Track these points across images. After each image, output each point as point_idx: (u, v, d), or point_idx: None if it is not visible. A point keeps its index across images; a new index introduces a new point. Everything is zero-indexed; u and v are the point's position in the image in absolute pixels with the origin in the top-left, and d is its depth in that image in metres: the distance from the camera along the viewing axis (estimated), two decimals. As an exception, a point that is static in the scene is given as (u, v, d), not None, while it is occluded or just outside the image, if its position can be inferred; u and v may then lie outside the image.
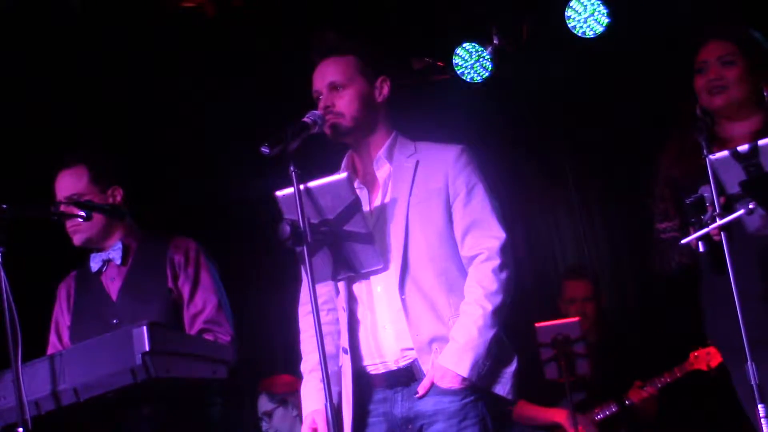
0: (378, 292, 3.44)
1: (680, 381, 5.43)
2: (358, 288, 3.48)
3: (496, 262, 3.37)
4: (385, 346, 3.42)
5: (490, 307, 3.33)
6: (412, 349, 3.39)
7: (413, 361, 3.39)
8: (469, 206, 3.43)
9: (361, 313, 3.47)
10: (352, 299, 3.49)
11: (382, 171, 3.53)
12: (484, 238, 3.40)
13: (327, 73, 3.51)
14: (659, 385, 5.44)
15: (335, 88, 3.48)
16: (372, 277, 3.44)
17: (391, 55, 3.79)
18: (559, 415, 5.44)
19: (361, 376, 3.46)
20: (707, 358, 5.34)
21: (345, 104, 3.47)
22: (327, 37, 3.55)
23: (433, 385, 3.35)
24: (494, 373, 3.37)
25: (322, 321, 3.28)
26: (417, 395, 3.37)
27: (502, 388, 3.38)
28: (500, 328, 3.37)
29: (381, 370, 3.43)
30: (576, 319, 5.28)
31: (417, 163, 3.49)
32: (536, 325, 5.26)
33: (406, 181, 3.47)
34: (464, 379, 3.31)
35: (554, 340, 5.20)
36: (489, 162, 3.58)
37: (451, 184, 3.45)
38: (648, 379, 5.44)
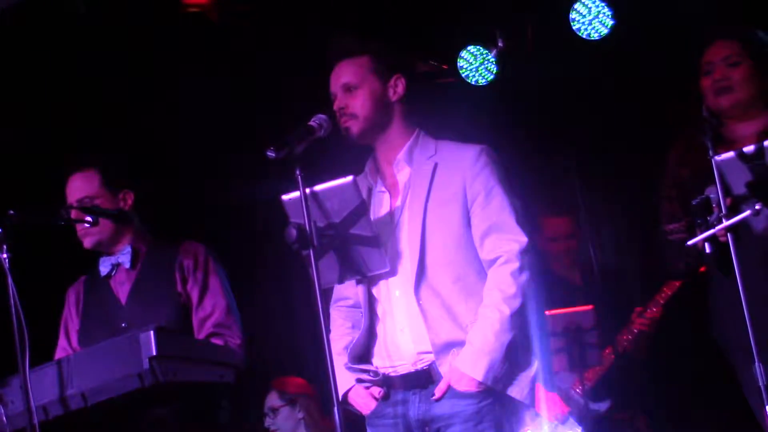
0: (396, 296, 3.45)
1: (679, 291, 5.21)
2: (378, 292, 3.49)
3: (516, 265, 3.35)
4: (403, 348, 3.42)
5: (507, 311, 3.32)
6: (429, 352, 3.39)
7: (431, 364, 3.39)
8: (487, 209, 3.41)
9: (381, 316, 3.48)
10: (372, 302, 3.51)
11: (402, 174, 3.53)
12: (504, 241, 3.38)
13: (341, 75, 3.53)
14: (662, 302, 5.23)
15: (348, 89, 3.50)
16: (390, 281, 3.45)
17: (406, 53, 3.79)
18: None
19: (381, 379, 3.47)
20: None
21: (358, 105, 3.49)
22: (342, 41, 3.57)
23: (450, 387, 3.35)
24: (511, 376, 3.35)
25: (351, 315, 3.50)
26: (434, 398, 3.37)
27: (519, 391, 3.37)
28: (519, 331, 3.35)
29: (398, 372, 3.44)
30: (590, 307, 5.19)
31: (435, 165, 3.48)
32: (547, 312, 5.18)
33: (424, 184, 3.46)
34: (480, 383, 3.31)
35: (566, 329, 5.14)
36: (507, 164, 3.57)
37: (469, 187, 3.43)
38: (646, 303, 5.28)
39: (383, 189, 3.54)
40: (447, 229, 3.42)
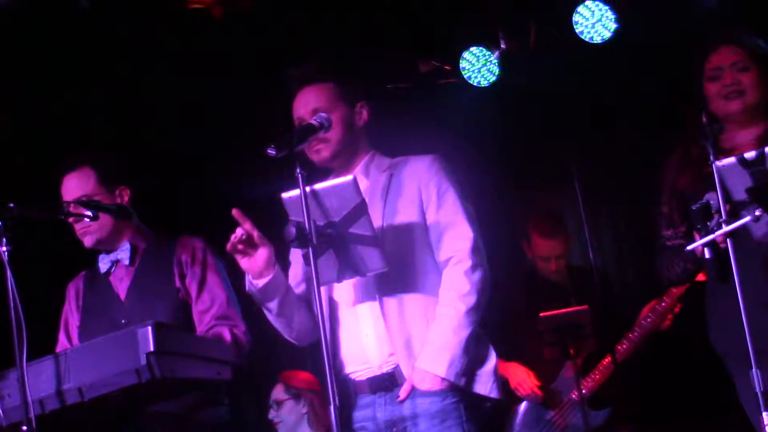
0: (360, 301, 3.50)
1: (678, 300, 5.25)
2: (340, 298, 3.55)
3: (468, 264, 3.43)
4: (368, 352, 3.49)
5: (463, 308, 3.40)
6: (393, 354, 3.45)
7: (396, 366, 3.46)
8: (440, 211, 3.51)
9: (344, 320, 3.53)
10: (334, 308, 3.55)
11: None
12: (455, 241, 3.47)
13: (309, 101, 3.58)
14: (660, 310, 5.26)
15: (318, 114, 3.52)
16: (353, 286, 3.50)
17: (368, 79, 3.88)
18: (508, 370, 5.36)
19: (346, 383, 3.52)
20: None
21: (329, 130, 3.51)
22: (305, 67, 3.64)
23: (414, 388, 3.41)
24: (472, 372, 3.43)
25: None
26: (398, 399, 3.43)
27: (483, 386, 3.44)
28: (476, 327, 3.43)
29: (365, 375, 3.50)
30: (584, 307, 5.22)
31: (391, 176, 3.58)
32: (541, 315, 5.22)
33: (381, 194, 3.54)
34: (443, 379, 3.37)
35: (560, 326, 5.16)
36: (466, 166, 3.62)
37: (424, 191, 3.52)
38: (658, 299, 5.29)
39: None
40: (404, 233, 3.49)
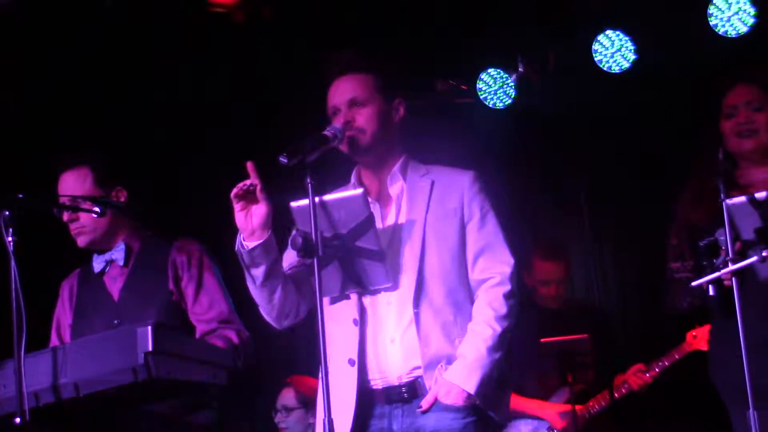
0: (389, 307, 3.44)
1: (679, 363, 5.30)
2: (369, 301, 3.47)
3: (507, 287, 3.41)
4: (391, 361, 3.42)
5: (499, 330, 3.37)
6: (418, 367, 3.39)
7: (418, 378, 3.39)
8: (483, 230, 3.47)
9: (370, 326, 3.46)
10: (362, 311, 3.48)
11: (395, 187, 3.55)
12: (496, 263, 3.44)
13: (346, 90, 3.52)
14: (658, 370, 5.32)
15: (355, 104, 3.50)
16: (383, 292, 3.44)
17: (408, 76, 3.83)
18: (547, 412, 5.36)
19: (363, 391, 3.45)
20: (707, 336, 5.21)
21: (365, 120, 3.49)
22: (346, 56, 3.59)
23: (436, 401, 3.35)
24: (496, 395, 3.39)
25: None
26: (420, 410, 3.37)
27: (501, 411, 3.41)
28: (505, 352, 3.40)
29: (381, 385, 3.43)
30: (584, 336, 5.21)
31: (432, 182, 3.52)
32: (542, 340, 5.20)
33: (423, 198, 3.49)
34: (470, 396, 3.32)
35: (560, 352, 5.15)
36: (501, 187, 3.62)
37: (467, 207, 3.48)
38: (646, 364, 5.33)
39: (373, 201, 3.53)
40: (444, 243, 3.45)
